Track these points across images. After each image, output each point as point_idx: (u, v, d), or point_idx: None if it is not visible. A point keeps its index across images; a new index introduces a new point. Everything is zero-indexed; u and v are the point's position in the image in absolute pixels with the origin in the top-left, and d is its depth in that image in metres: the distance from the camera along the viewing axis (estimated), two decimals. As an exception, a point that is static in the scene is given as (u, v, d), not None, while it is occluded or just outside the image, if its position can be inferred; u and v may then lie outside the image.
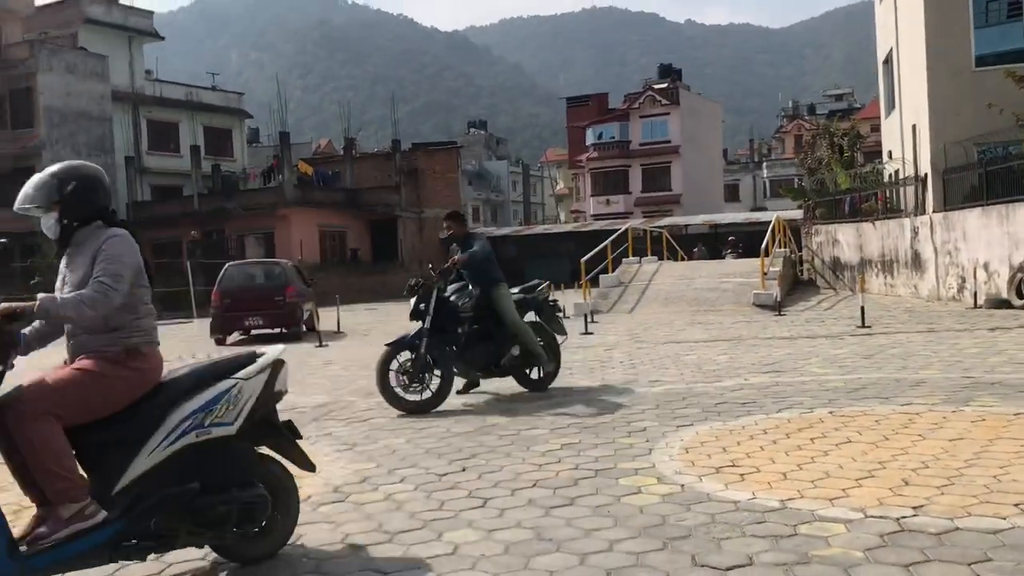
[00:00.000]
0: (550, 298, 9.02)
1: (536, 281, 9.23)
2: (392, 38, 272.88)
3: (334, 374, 11.19)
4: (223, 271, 18.62)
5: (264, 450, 3.99)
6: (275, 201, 38.03)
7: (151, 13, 47.30)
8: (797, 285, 23.25)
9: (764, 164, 72.84)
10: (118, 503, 3.42)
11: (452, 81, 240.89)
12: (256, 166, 49.54)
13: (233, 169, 45.93)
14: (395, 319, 22.68)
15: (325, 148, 72.36)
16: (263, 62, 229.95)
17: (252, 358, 3.92)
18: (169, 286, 32.35)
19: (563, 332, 8.94)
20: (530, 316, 8.64)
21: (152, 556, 3.65)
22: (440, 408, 7.79)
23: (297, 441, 4.06)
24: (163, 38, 47.57)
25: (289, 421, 4.13)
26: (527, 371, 8.59)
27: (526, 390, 8.52)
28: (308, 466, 4.10)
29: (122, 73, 42.20)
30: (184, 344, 18.12)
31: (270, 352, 4.00)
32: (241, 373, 3.79)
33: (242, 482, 3.70)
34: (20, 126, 37.45)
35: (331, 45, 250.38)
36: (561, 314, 9.17)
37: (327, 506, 4.72)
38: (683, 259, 28.90)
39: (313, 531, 4.29)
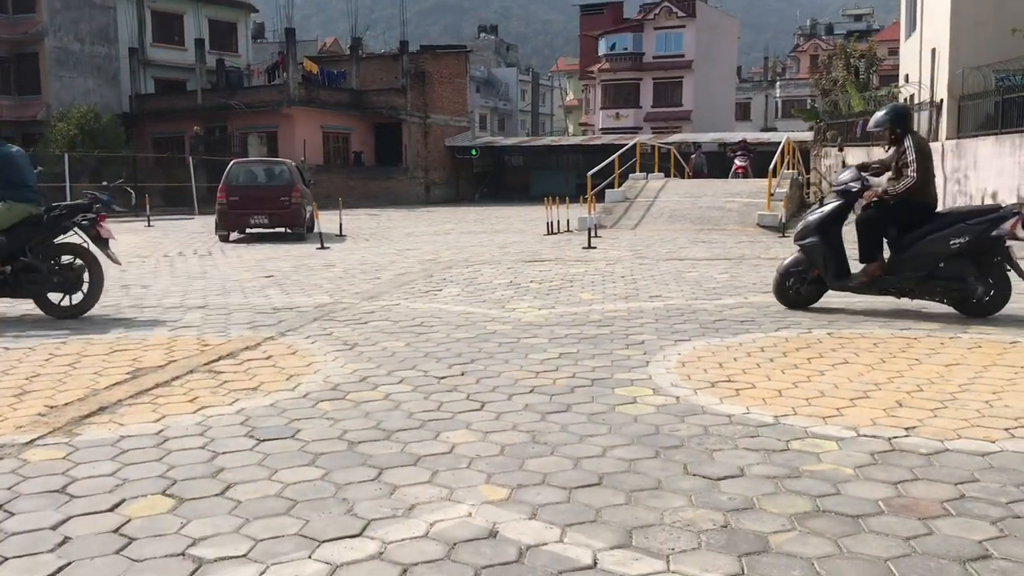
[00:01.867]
0: None
1: None
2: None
3: (335, 276, 11.21)
4: (228, 168, 18.52)
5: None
6: (279, 99, 37.52)
7: (156, -102, 45.79)
8: (803, 207, 23.10)
9: (777, 83, 71.64)
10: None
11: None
12: (261, 62, 48.74)
13: (237, 65, 45.21)
14: (398, 226, 22.65)
15: (331, 47, 70.97)
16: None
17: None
18: (171, 181, 32.23)
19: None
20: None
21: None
22: (441, 315, 7.82)
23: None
24: (168, -76, 46.18)
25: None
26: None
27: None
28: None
29: (125, -40, 41.15)
30: (187, 238, 18.13)
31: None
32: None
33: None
34: (21, 11, 36.66)
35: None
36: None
37: (326, 403, 4.77)
38: (689, 177, 28.67)
39: (311, 426, 4.34)
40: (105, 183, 30.63)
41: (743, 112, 68.35)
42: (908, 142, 7.30)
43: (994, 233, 6.90)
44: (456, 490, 3.45)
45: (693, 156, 31.74)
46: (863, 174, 7.65)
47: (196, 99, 39.07)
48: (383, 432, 4.23)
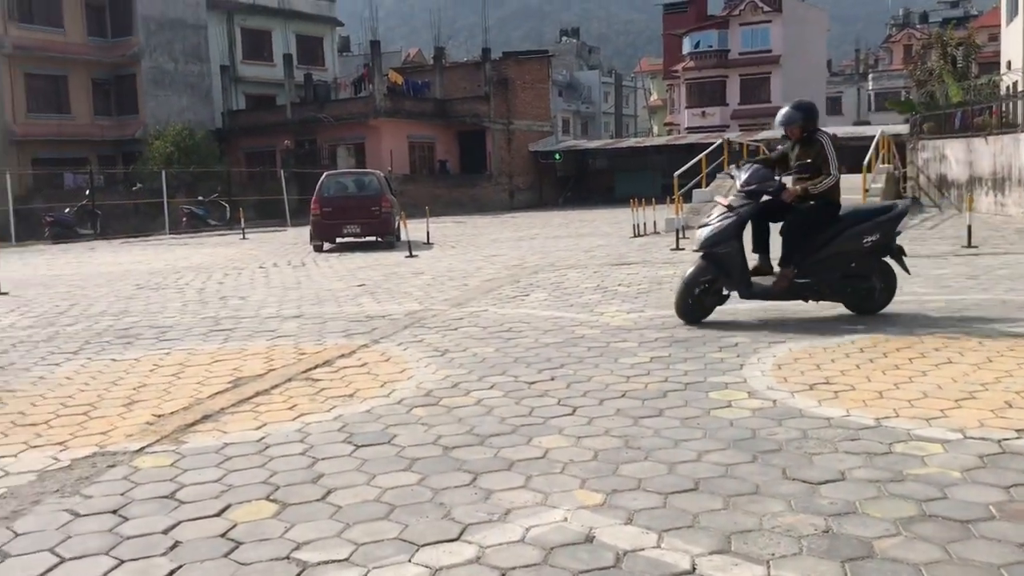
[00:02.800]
0: None
1: None
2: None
3: (424, 283, 11.36)
4: (321, 180, 19.07)
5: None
6: (365, 111, 38.21)
7: (245, -81, 47.23)
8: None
9: (870, 76, 69.61)
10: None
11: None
12: (347, 75, 49.72)
13: (324, 78, 46.19)
14: (484, 232, 22.81)
15: (415, 57, 72.03)
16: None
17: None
18: (263, 194, 33.13)
19: None
20: None
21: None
22: (529, 320, 7.85)
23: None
24: (256, -55, 47.56)
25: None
26: None
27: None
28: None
29: (216, -20, 42.55)
30: (280, 250, 18.61)
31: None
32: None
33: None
34: (119, 34, 38.23)
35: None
36: None
37: (420, 408, 4.84)
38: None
39: (406, 432, 4.41)
40: (200, 198, 31.72)
41: (834, 107, 66.62)
42: (824, 140, 7.06)
43: (898, 229, 7.06)
44: (551, 495, 3.46)
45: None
46: (781, 175, 7.28)
47: (286, 113, 40.09)
48: (477, 437, 4.27)
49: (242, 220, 25.55)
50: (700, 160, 22.40)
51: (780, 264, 7.14)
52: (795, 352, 5.97)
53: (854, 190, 19.22)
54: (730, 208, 7.02)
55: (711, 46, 56.65)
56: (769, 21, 54.94)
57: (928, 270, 10.49)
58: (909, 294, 8.48)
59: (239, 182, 35.16)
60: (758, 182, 7.04)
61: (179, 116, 37.42)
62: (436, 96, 42.36)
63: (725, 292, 7.17)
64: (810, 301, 7.29)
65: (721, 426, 4.31)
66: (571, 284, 10.49)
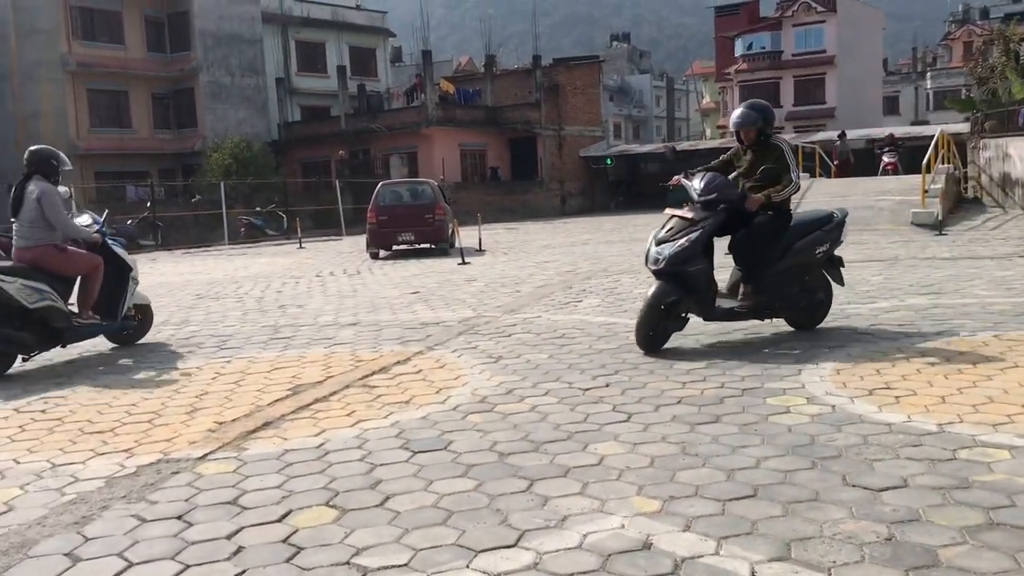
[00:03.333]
0: None
1: None
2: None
3: (477, 290, 11.41)
4: (377, 190, 19.43)
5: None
6: (418, 120, 38.52)
7: (298, -67, 48.03)
8: (961, 203, 21.91)
9: (928, 74, 68.20)
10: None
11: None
12: (399, 85, 50.20)
13: (377, 89, 46.71)
14: (536, 238, 22.82)
15: (466, 66, 72.44)
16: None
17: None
18: (319, 204, 33.56)
19: None
20: None
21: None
22: (582, 326, 7.84)
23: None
24: (309, -42, 48.32)
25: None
26: None
27: None
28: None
29: (271, -6, 43.31)
30: (337, 258, 18.85)
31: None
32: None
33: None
34: (178, 49, 39.12)
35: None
36: None
37: (475, 415, 4.87)
38: (835, 167, 27.64)
39: (462, 438, 4.44)
40: (258, 208, 32.18)
41: (891, 106, 65.41)
42: (783, 144, 6.58)
43: (841, 238, 6.71)
44: (607, 501, 3.45)
45: (836, 143, 30.33)
46: (743, 182, 6.65)
47: (340, 124, 40.61)
48: (532, 444, 4.28)
49: (299, 230, 25.93)
50: (754, 163, 22.14)
51: (743, 281, 6.54)
52: (854, 357, 5.87)
53: (914, 191, 18.87)
54: (692, 221, 6.25)
55: (764, 48, 56.04)
56: (823, 21, 54.15)
57: (992, 272, 10.25)
58: (971, 296, 8.30)
59: (295, 192, 35.69)
60: (719, 191, 6.35)
61: (236, 128, 38.14)
62: (487, 104, 42.55)
63: (686, 315, 6.44)
64: (765, 320, 6.80)
65: (779, 432, 4.26)
66: (624, 289, 10.45)
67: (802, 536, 3.03)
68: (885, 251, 13.40)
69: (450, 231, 19.10)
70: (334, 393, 5.59)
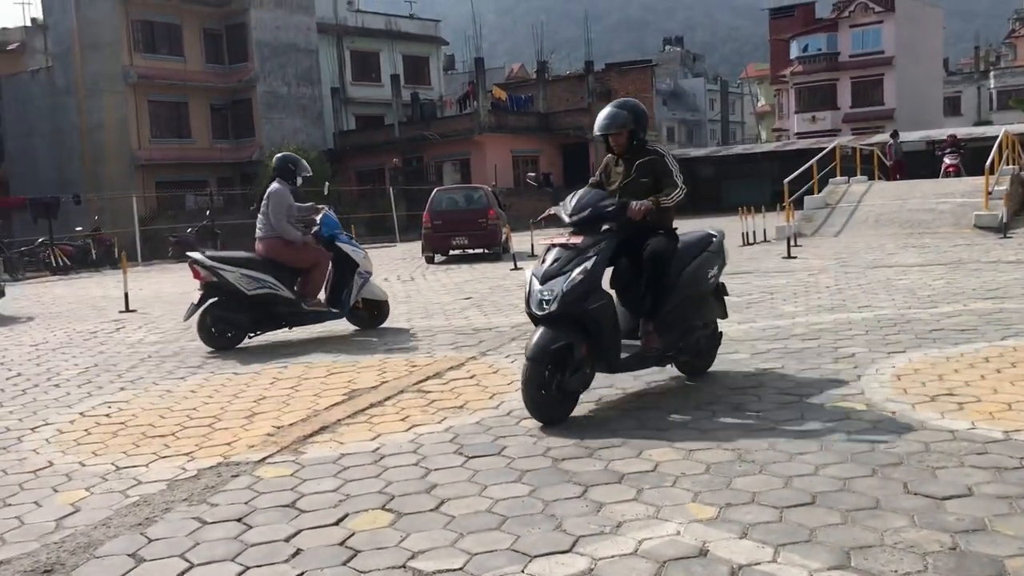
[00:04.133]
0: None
1: None
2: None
3: (531, 295, 11.39)
4: (432, 195, 19.75)
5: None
6: (470, 127, 38.74)
7: (352, -56, 48.70)
8: (1027, 205, 21.32)
9: (991, 73, 66.60)
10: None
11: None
12: (452, 93, 50.53)
13: (430, 96, 47.08)
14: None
15: (518, 72, 72.66)
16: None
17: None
18: (373, 211, 33.92)
19: None
20: None
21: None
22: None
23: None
24: (363, -32, 48.98)
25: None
26: None
27: None
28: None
29: (326, 5, 43.90)
30: (391, 264, 19.02)
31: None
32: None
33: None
34: (235, 60, 39.90)
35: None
36: None
37: (528, 420, 4.86)
38: (891, 168, 27.10)
39: (516, 443, 4.44)
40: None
41: (952, 107, 64.01)
42: (661, 148, 5.53)
43: (726, 260, 5.70)
44: (663, 508, 3.43)
45: (890, 144, 29.66)
46: (621, 197, 5.25)
47: (394, 132, 41.00)
48: (586, 449, 4.27)
49: (353, 236, 26.20)
50: (811, 166, 21.84)
51: (643, 319, 5.17)
52: (915, 363, 5.75)
53: (977, 193, 18.43)
54: (580, 249, 4.91)
55: (820, 49, 55.21)
56: (881, 22, 53.18)
57: (1060, 275, 9.96)
58: (1039, 301, 8.07)
59: (350, 200, 36.11)
60: (592, 205, 5.10)
61: (293, 138, 38.73)
62: (539, 110, 42.61)
63: (589, 369, 4.93)
64: (666, 365, 5.58)
65: (838, 439, 4.19)
66: (679, 295, 10.36)
67: (862, 544, 2.98)
68: (947, 255, 13.11)
69: (503, 237, 19.20)
70: (389, 398, 5.63)
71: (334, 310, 8.55)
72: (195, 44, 39.31)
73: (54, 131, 38.92)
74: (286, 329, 8.54)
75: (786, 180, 19.86)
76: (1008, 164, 21.69)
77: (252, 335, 8.27)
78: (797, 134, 53.73)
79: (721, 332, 5.83)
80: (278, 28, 39.77)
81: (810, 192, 21.77)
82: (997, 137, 21.40)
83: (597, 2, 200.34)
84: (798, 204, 20.20)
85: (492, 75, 52.24)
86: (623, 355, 5.04)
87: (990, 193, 17.74)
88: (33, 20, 46.93)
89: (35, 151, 39.58)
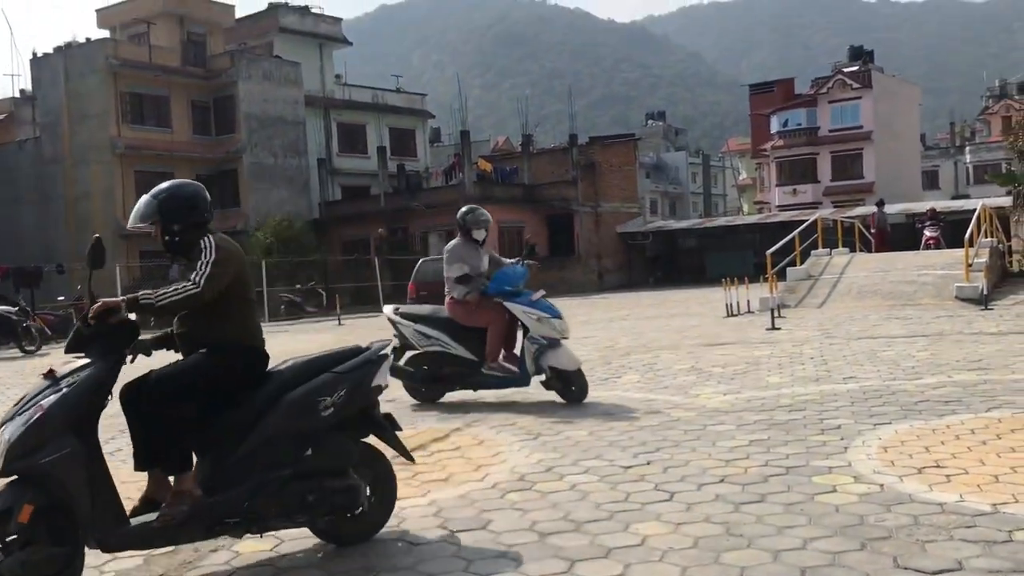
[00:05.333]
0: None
1: None
2: (569, 32, 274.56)
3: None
4: (417, 266, 19.83)
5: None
6: (456, 198, 38.97)
7: (340, 20, 49.64)
8: (1006, 278, 21.58)
9: (967, 148, 68.10)
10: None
11: (629, 72, 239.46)
12: (438, 165, 51.11)
13: (416, 168, 47.57)
14: (574, 314, 22.78)
15: (503, 145, 73.62)
16: (443, 63, 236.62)
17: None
18: (358, 281, 33.95)
19: None
20: None
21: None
22: (622, 403, 7.77)
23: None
24: (351, 43, 49.86)
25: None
26: None
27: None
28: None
29: (314, 78, 44.55)
30: (375, 334, 18.97)
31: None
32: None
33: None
34: (223, 132, 40.27)
35: (509, 42, 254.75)
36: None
37: (514, 493, 4.81)
38: (873, 235, 27.45)
39: (501, 517, 4.38)
40: (298, 285, 32.60)
41: (931, 180, 65.23)
42: (208, 241, 4.00)
43: (375, 383, 4.13)
44: (650, 584, 3.37)
45: (874, 213, 30.03)
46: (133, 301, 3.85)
47: (379, 203, 41.27)
48: (572, 523, 4.21)
49: (338, 306, 26.19)
50: (793, 238, 22.08)
51: (170, 471, 3.88)
52: (901, 434, 5.74)
53: (957, 265, 18.64)
54: (57, 379, 3.61)
55: (800, 124, 56.35)
56: (859, 97, 54.45)
57: (1041, 347, 10.02)
58: (1021, 372, 8.11)
59: (335, 270, 36.16)
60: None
61: (279, 208, 38.92)
62: (524, 182, 43.08)
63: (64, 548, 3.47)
64: (244, 535, 4.00)
65: (826, 512, 4.15)
66: (664, 365, 10.36)
67: (854, 622, 2.93)
68: (930, 326, 13.19)
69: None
70: (372, 470, 5.54)
71: (517, 374, 8.02)
72: (183, 116, 39.69)
73: (40, 200, 39.01)
74: (472, 391, 8.34)
75: (769, 251, 20.04)
76: (987, 237, 22.02)
77: (449, 390, 8.34)
78: (778, 206, 54.47)
79: (393, 482, 4.30)
80: (266, 101, 40.26)
81: (792, 263, 21.96)
82: (975, 210, 21.76)
83: (581, 78, 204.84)
84: (781, 275, 20.36)
85: (478, 147, 52.92)
86: (135, 521, 3.69)
87: (970, 265, 17.94)
88: (22, 91, 47.38)
89: (20, 220, 39.58)
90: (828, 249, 24.09)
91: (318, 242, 38.34)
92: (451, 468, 5.52)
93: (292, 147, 41.26)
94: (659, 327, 16.51)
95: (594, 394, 8.36)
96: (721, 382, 8.68)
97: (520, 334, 8.10)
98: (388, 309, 8.64)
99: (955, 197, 54.96)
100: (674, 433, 6.21)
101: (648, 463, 5.38)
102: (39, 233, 38.56)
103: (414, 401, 8.53)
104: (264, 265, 29.60)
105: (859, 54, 63.58)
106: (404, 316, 8.39)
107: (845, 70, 57.96)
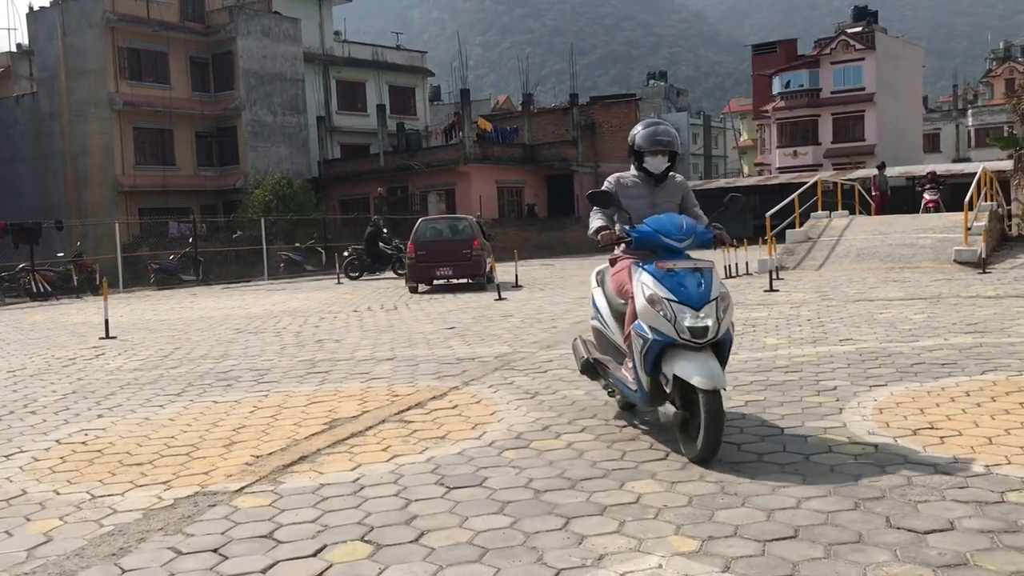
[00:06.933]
0: None
1: None
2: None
3: (513, 326, 11.40)
4: (416, 226, 19.76)
5: None
6: (456, 158, 38.88)
7: (340, -25, 49.02)
8: (1005, 241, 21.58)
9: (969, 111, 67.65)
10: None
11: (631, 31, 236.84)
12: (438, 124, 50.79)
13: (416, 127, 47.29)
14: (572, 275, 22.80)
15: (503, 104, 73.11)
16: (444, 20, 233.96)
17: None
18: (358, 240, 33.85)
19: None
20: None
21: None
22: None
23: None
24: None
25: None
26: None
27: None
28: None
29: (313, 35, 44.14)
30: (374, 294, 18.97)
31: None
32: None
33: None
34: (221, 88, 39.96)
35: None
36: None
37: (511, 451, 4.84)
38: (874, 200, 27.38)
39: (498, 474, 4.41)
40: (297, 244, 32.63)
41: (932, 143, 64.90)
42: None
43: None
44: (645, 540, 3.40)
45: (875, 176, 29.89)
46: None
47: (379, 162, 41.09)
48: (568, 481, 4.24)
49: (338, 265, 26.17)
50: (793, 200, 22.03)
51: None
52: (897, 396, 5.77)
53: (956, 228, 18.61)
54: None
55: (802, 85, 55.90)
56: (862, 59, 53.97)
57: (1038, 311, 10.04)
58: (1016, 335, 8.13)
59: (334, 228, 36.10)
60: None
61: (277, 166, 38.75)
62: (524, 141, 42.86)
63: None
64: None
65: (821, 472, 4.18)
66: (662, 327, 10.37)
67: (845, 579, 2.96)
68: (927, 289, 13.21)
69: (487, 267, 19.23)
70: (370, 428, 5.59)
71: (635, 390, 5.00)
72: (181, 72, 39.35)
73: (38, 156, 38.82)
74: None
75: (768, 213, 20.00)
76: (986, 200, 21.96)
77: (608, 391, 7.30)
78: (779, 168, 54.25)
79: None
80: (265, 57, 39.89)
81: (792, 226, 21.94)
82: (975, 174, 21.68)
83: (583, 37, 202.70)
84: (780, 238, 20.33)
85: (478, 106, 52.55)
86: None
87: (969, 229, 17.93)
88: (19, 46, 46.95)
89: (18, 176, 39.41)
90: (827, 212, 24.03)
91: (317, 200, 38.21)
92: (449, 426, 5.55)
93: (291, 104, 40.96)
94: (657, 288, 16.49)
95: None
96: (718, 343, 8.69)
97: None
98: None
99: (956, 160, 54.79)
100: (671, 393, 6.23)
101: (644, 422, 5.40)
102: (37, 189, 38.43)
103: (415, 362, 8.54)
104: (263, 223, 29.51)
105: (863, 14, 62.98)
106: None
107: (849, 31, 57.37)
